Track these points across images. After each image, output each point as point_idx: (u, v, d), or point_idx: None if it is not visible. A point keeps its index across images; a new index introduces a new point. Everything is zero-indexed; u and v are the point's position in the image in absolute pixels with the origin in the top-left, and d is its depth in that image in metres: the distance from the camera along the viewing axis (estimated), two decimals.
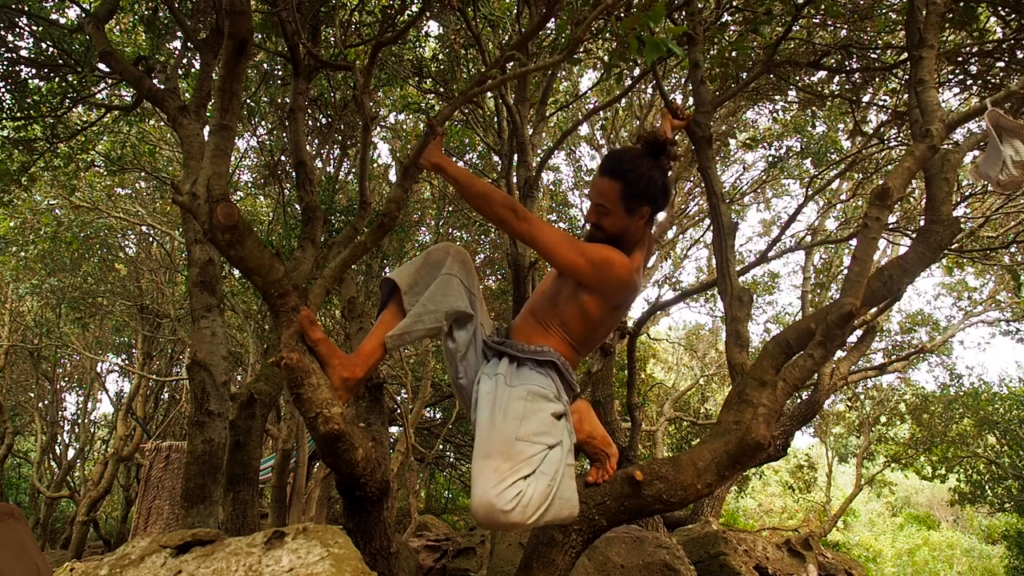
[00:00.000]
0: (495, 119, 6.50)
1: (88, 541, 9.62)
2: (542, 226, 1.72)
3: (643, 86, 7.62)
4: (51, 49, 4.30)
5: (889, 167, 6.26)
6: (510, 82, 5.12)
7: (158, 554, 1.64)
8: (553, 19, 5.05)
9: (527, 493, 1.45)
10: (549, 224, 1.77)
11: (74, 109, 5.36)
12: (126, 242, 9.44)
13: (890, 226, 6.17)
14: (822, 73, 5.05)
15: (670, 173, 1.82)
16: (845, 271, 2.84)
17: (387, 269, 7.01)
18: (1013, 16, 3.35)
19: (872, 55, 4.27)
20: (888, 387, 11.74)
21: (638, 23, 1.56)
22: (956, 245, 6.02)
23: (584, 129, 9.29)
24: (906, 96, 4.23)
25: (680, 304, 10.82)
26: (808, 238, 8.42)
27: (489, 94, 6.58)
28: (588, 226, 1.83)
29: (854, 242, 1.98)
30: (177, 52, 4.49)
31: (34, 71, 4.43)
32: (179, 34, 4.44)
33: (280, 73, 5.56)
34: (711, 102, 2.70)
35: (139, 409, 10.36)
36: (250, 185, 8.47)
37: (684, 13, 3.15)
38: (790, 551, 4.51)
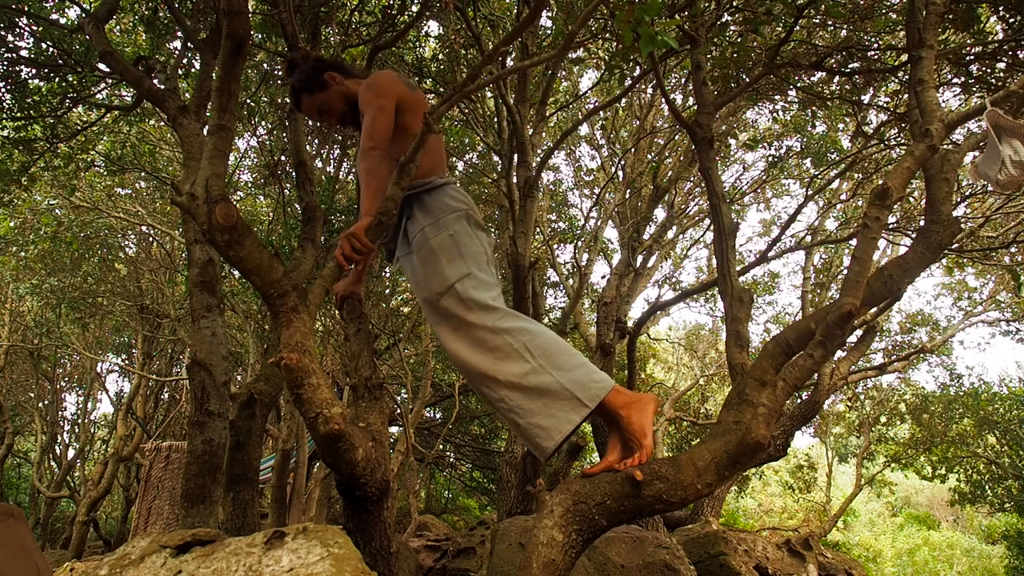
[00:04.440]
0: (495, 119, 6.50)
1: (88, 541, 9.61)
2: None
3: (643, 86, 7.62)
4: (51, 49, 4.30)
5: (889, 167, 6.26)
6: (510, 82, 5.12)
7: (158, 554, 1.64)
8: (550, 19, 5.05)
9: None
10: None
11: (74, 109, 5.36)
12: (126, 242, 9.44)
13: (890, 226, 6.17)
14: (822, 73, 5.05)
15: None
16: (845, 271, 2.85)
17: (387, 269, 7.01)
18: (1015, 18, 3.35)
19: (872, 55, 4.27)
20: (888, 387, 11.75)
21: (632, 16, 1.56)
22: (956, 245, 6.02)
23: (584, 129, 9.29)
24: (906, 97, 4.22)
25: (680, 304, 10.83)
26: (808, 238, 8.42)
27: (489, 93, 6.58)
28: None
29: (854, 242, 1.98)
30: (177, 52, 4.49)
31: (34, 71, 4.42)
32: (179, 34, 4.44)
33: (280, 73, 5.55)
34: (713, 103, 2.70)
35: (139, 409, 10.36)
36: (250, 185, 8.47)
37: (687, 13, 3.16)
38: (790, 551, 4.50)
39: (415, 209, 1.94)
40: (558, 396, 1.69)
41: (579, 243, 8.69)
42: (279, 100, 6.05)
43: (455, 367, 1.83)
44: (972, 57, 3.69)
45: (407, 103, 2.00)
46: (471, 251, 1.87)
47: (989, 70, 3.73)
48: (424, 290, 1.88)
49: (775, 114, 6.85)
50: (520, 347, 1.72)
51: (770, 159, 7.63)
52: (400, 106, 1.98)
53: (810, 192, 6.96)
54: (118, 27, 5.82)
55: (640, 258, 8.48)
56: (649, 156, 8.21)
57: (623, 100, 7.86)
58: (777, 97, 5.80)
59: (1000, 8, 3.34)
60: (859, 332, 6.68)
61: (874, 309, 5.72)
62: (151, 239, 9.61)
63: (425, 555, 4.13)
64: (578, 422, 1.70)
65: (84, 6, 4.30)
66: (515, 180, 5.18)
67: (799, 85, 5.08)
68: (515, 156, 5.17)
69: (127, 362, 11.74)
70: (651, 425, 1.73)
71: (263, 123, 6.61)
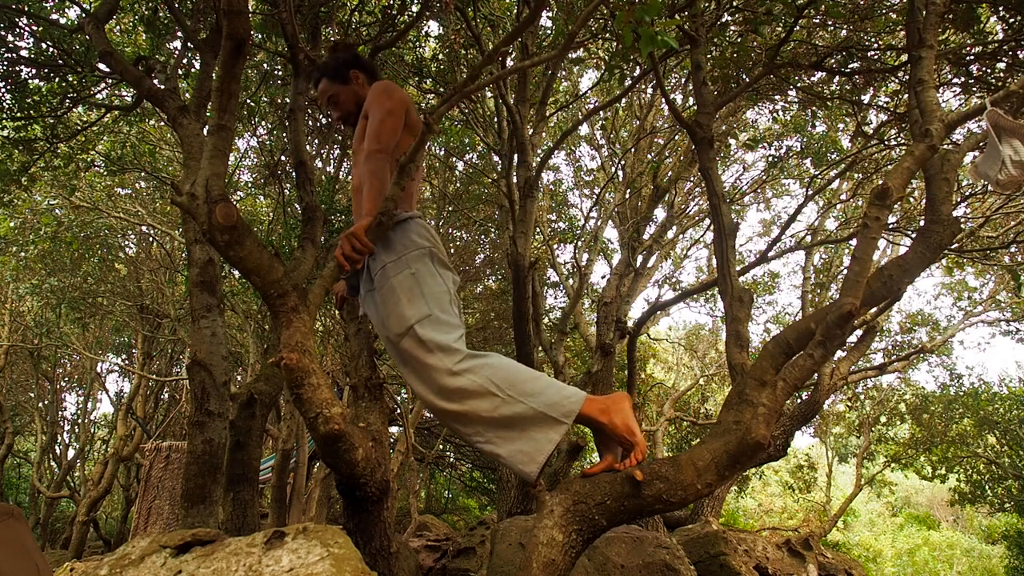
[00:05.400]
0: (495, 119, 6.50)
1: (88, 541, 9.62)
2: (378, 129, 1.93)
3: (643, 86, 7.62)
4: (51, 49, 4.30)
5: (889, 167, 6.26)
6: (510, 82, 5.12)
7: (158, 554, 1.64)
8: (551, 19, 5.05)
9: None
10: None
11: (74, 109, 5.36)
12: (126, 242, 9.44)
13: (890, 226, 6.17)
14: (822, 73, 5.05)
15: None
16: (845, 271, 2.85)
17: None
18: (1015, 18, 3.35)
19: (872, 55, 4.27)
20: (888, 387, 11.75)
21: (632, 16, 1.56)
22: (956, 245, 6.02)
23: (584, 129, 9.29)
24: (906, 97, 4.23)
25: (680, 304, 10.83)
26: (808, 238, 8.42)
27: (489, 93, 6.58)
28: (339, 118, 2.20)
29: (854, 242, 1.98)
30: (177, 52, 4.49)
31: (34, 71, 4.43)
32: (179, 34, 4.44)
33: (280, 73, 5.55)
34: (713, 104, 2.70)
35: (139, 409, 10.37)
36: (250, 185, 8.47)
37: (687, 13, 3.16)
38: (790, 551, 4.50)
39: (377, 244, 1.89)
40: (533, 420, 1.68)
41: (579, 243, 8.70)
42: (279, 100, 6.05)
43: (424, 407, 1.82)
44: (972, 57, 3.69)
45: (410, 118, 2.03)
46: (433, 291, 1.81)
47: (989, 70, 3.73)
48: (385, 330, 1.82)
49: (775, 114, 6.84)
50: (484, 382, 1.69)
51: (770, 159, 7.63)
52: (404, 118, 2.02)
53: (810, 192, 6.96)
54: (118, 27, 5.82)
55: (640, 258, 8.48)
56: (649, 156, 8.21)
57: (623, 100, 7.86)
58: (777, 97, 5.80)
59: (1000, 8, 3.34)
60: (859, 332, 6.68)
61: (874, 309, 5.72)
62: (151, 239, 9.61)
63: (425, 555, 4.13)
64: (557, 440, 1.69)
65: (84, 6, 4.30)
66: (515, 180, 5.18)
67: (799, 85, 5.08)
68: (515, 156, 5.17)
69: (127, 362, 11.74)
70: (635, 421, 1.73)
71: (263, 123, 6.61)
